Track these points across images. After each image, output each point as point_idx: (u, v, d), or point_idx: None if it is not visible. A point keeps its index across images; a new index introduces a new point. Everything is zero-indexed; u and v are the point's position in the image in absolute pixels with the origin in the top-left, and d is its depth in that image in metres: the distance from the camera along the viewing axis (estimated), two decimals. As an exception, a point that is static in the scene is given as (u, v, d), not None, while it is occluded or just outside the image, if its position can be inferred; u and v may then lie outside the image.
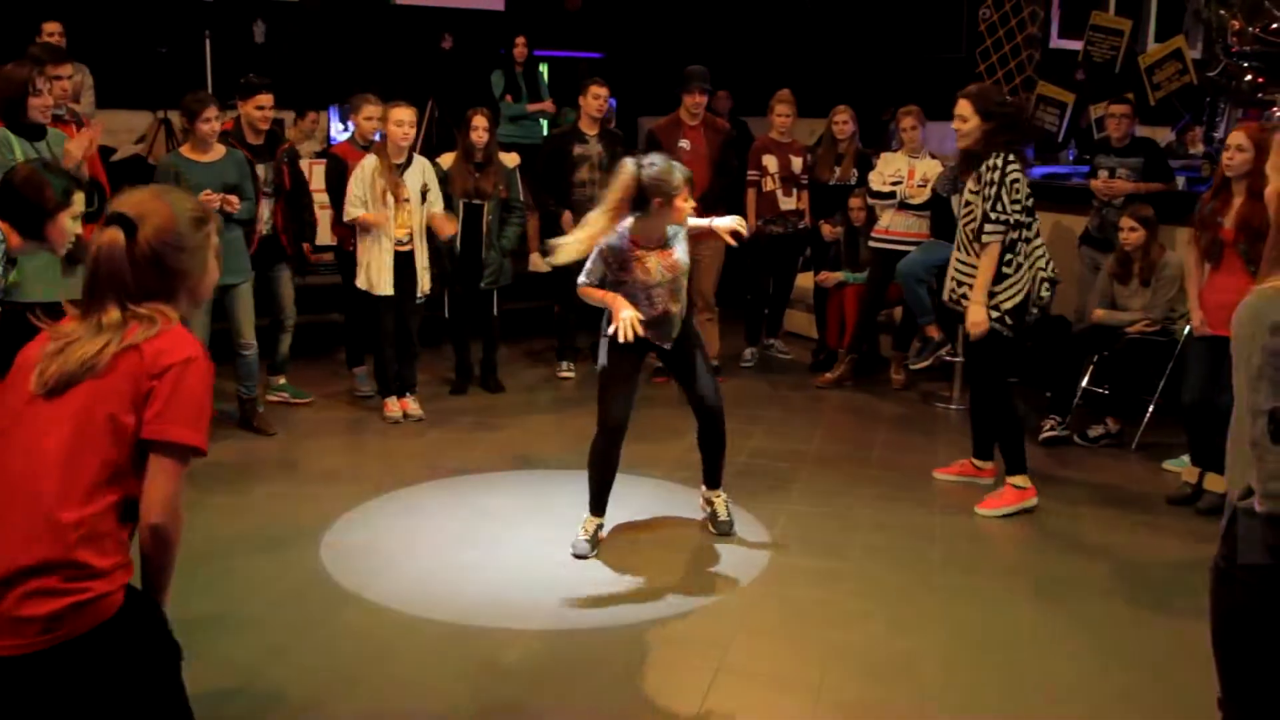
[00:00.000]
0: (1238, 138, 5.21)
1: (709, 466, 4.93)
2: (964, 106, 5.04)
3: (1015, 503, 5.20)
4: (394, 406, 6.47)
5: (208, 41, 9.23)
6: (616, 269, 4.48)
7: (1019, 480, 5.24)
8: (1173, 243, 6.71)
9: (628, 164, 4.43)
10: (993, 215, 4.97)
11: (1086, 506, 5.35)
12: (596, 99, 7.24)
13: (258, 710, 3.45)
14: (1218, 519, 5.05)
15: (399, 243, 6.28)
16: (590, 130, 7.29)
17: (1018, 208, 4.97)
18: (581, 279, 4.52)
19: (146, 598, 2.27)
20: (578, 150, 7.28)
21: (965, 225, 5.12)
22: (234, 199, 5.68)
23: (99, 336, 2.21)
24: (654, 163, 4.41)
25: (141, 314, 2.24)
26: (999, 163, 4.99)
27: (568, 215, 7.29)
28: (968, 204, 5.10)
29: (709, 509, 4.95)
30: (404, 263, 6.30)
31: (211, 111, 5.77)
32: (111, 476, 2.19)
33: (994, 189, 4.97)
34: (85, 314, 2.26)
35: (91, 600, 2.14)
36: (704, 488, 4.99)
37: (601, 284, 4.50)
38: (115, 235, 2.26)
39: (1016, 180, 4.98)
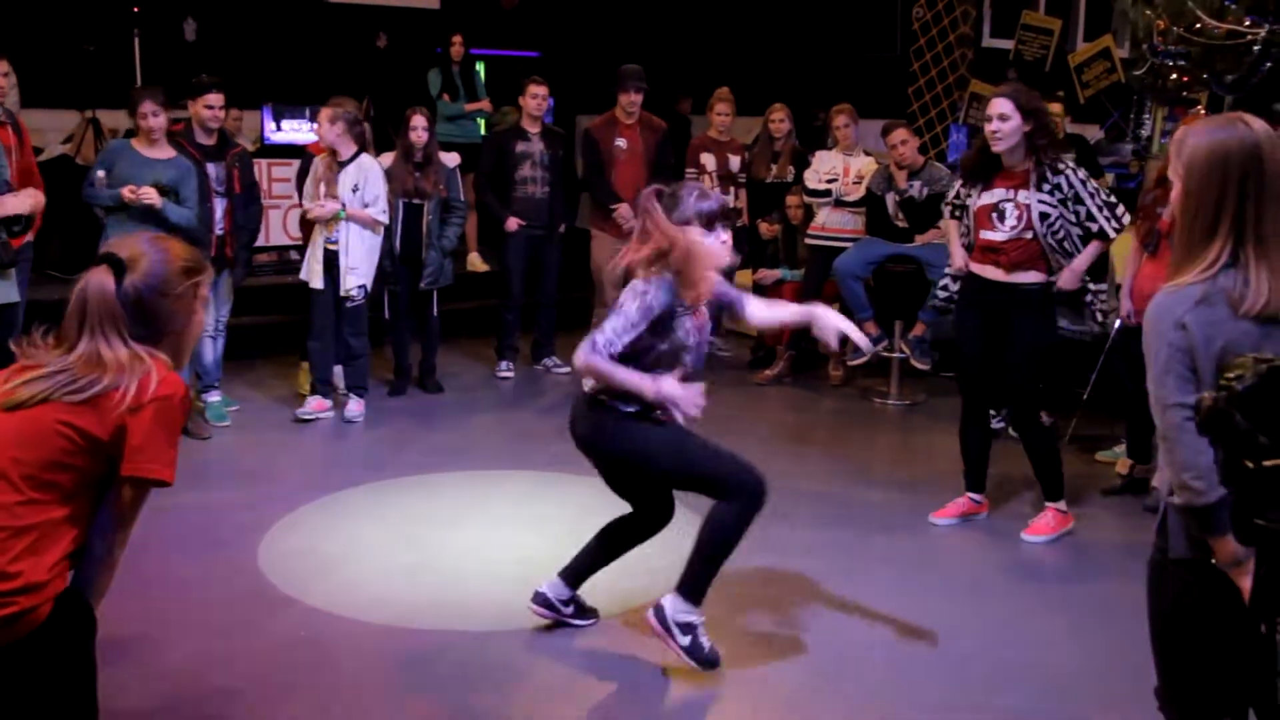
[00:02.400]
0: (1183, 131, 5.15)
1: (593, 566, 3.98)
2: (1004, 105, 4.62)
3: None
4: (311, 404, 6.43)
5: (137, 39, 9.07)
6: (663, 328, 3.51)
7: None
8: (1102, 238, 6.83)
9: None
10: (1108, 214, 4.72)
11: (1023, 499, 5.43)
12: (535, 98, 7.26)
13: (195, 715, 3.40)
14: (1153, 510, 5.17)
15: (329, 240, 6.25)
16: (532, 128, 7.31)
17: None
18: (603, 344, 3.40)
19: (77, 604, 2.26)
20: (520, 148, 7.30)
21: (1060, 239, 4.73)
22: (149, 191, 5.58)
23: (94, 368, 2.22)
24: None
25: (138, 354, 2.27)
26: (1072, 165, 4.74)
27: (512, 220, 7.30)
28: (1047, 217, 4.67)
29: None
30: (335, 260, 6.27)
31: (148, 106, 5.67)
32: (60, 495, 2.21)
33: (1093, 187, 4.71)
34: (63, 342, 2.27)
35: (17, 615, 2.12)
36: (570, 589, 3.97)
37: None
38: (104, 275, 2.28)
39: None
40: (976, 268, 4.89)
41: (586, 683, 3.67)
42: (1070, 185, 4.68)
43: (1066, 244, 4.75)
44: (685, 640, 3.54)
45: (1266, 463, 1.97)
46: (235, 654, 3.76)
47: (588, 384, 3.58)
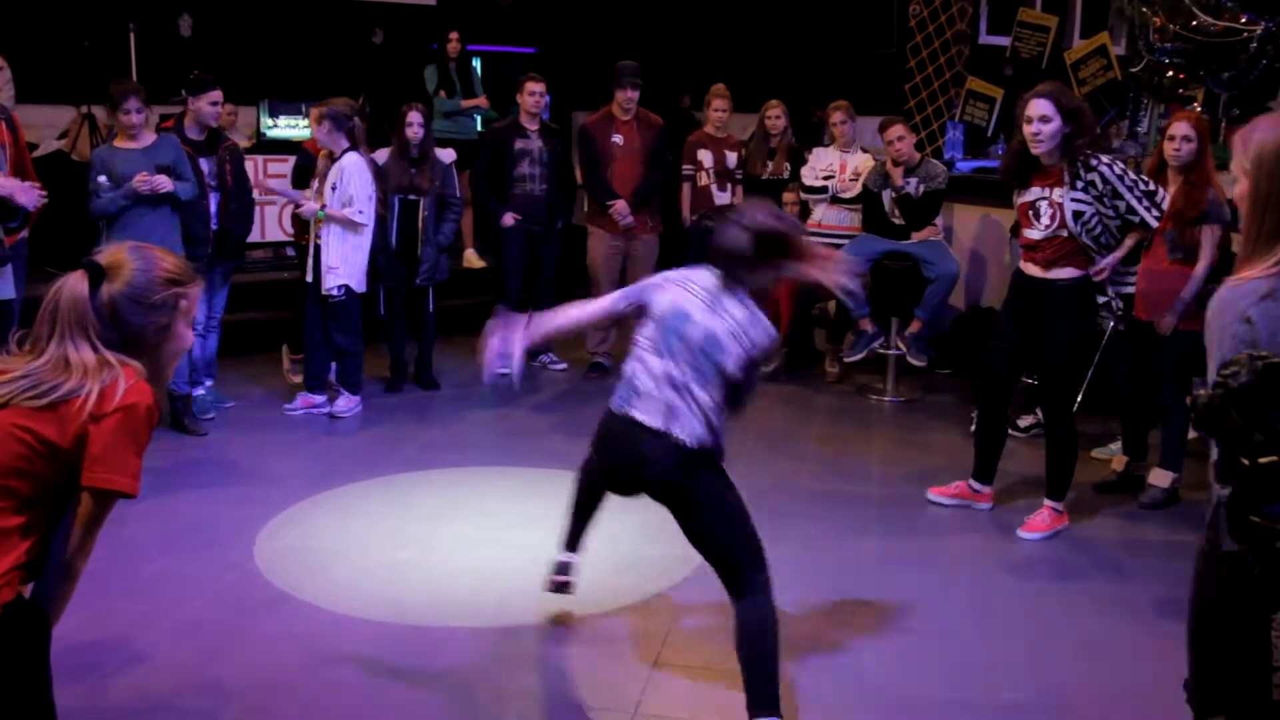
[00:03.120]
0: (1183, 128, 5.07)
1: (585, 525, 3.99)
2: (1045, 106, 4.56)
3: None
4: (299, 400, 6.54)
5: (132, 35, 9.05)
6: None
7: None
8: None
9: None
10: (1148, 204, 4.69)
11: (1019, 495, 5.42)
12: (533, 94, 7.25)
13: (193, 713, 3.40)
14: (1156, 510, 5.20)
15: (317, 236, 6.29)
16: (530, 125, 7.30)
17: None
18: None
19: (28, 614, 2.21)
20: (518, 145, 7.28)
21: (1097, 236, 4.72)
22: (162, 179, 5.55)
23: (60, 373, 2.18)
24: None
25: (108, 360, 2.22)
26: (1107, 160, 4.68)
27: (508, 216, 7.28)
28: (1081, 215, 4.67)
29: None
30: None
31: (133, 103, 5.66)
32: (16, 503, 2.16)
33: (1130, 179, 4.67)
34: (34, 346, 2.23)
35: None
36: None
37: None
38: (79, 280, 2.23)
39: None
40: (1021, 264, 4.95)
41: (584, 678, 3.66)
42: (1106, 181, 4.64)
43: (1104, 239, 4.75)
44: None
45: (1262, 459, 1.98)
46: (230, 651, 3.76)
47: (694, 438, 3.29)
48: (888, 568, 4.58)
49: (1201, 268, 5.05)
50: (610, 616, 4.09)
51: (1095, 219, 4.70)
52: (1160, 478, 5.30)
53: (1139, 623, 4.12)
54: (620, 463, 3.36)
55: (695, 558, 4.59)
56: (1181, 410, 5.13)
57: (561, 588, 3.99)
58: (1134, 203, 4.68)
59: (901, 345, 7.11)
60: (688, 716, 3.48)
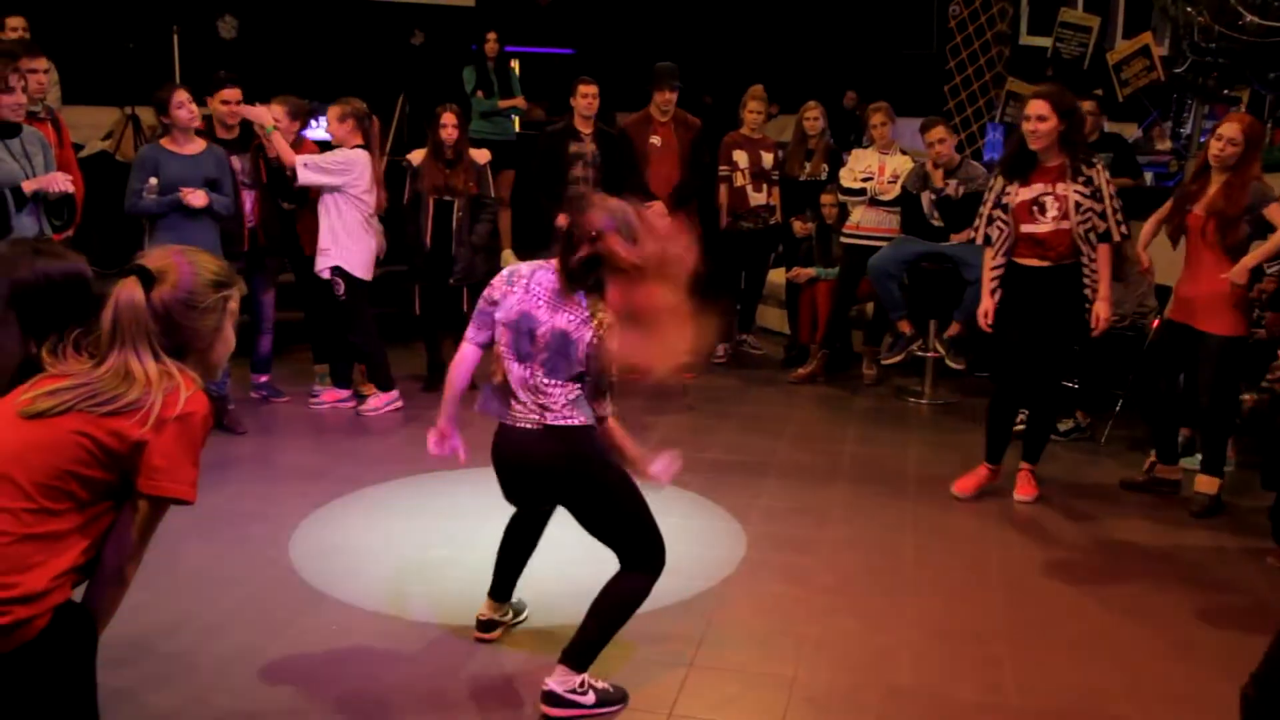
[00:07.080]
0: (1231, 130, 5.03)
1: (515, 572, 3.97)
2: (1042, 106, 4.96)
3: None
4: (323, 394, 6.69)
5: (175, 36, 9.15)
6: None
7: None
8: (1141, 238, 6.75)
9: None
10: (1120, 215, 5.03)
11: (1057, 499, 5.38)
12: (585, 97, 7.22)
13: (228, 711, 3.42)
14: (1200, 516, 5.14)
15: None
16: (584, 129, 7.27)
17: None
18: None
19: (77, 618, 2.23)
20: (573, 148, 7.27)
21: (1086, 230, 5.00)
22: (201, 194, 5.62)
23: (121, 382, 2.20)
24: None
25: (169, 369, 2.24)
26: (1102, 165, 5.07)
27: (563, 218, 7.27)
28: (1080, 206, 4.97)
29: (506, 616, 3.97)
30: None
31: (182, 95, 5.69)
32: (73, 505, 2.18)
33: (1113, 187, 5.05)
34: (92, 354, 2.25)
35: (11, 625, 2.09)
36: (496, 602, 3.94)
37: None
38: (134, 287, 2.25)
39: None
40: (1019, 259, 5.17)
41: (620, 679, 3.64)
42: (1110, 179, 5.05)
43: (1092, 236, 5.02)
44: (590, 700, 3.40)
45: (1308, 465, 1.94)
46: (267, 649, 3.78)
47: (579, 419, 3.39)
48: (922, 571, 4.55)
49: (1273, 243, 4.96)
50: (646, 617, 4.07)
51: (1089, 214, 5.00)
52: (1208, 484, 5.22)
53: (1179, 629, 4.06)
54: (512, 467, 3.47)
55: (732, 558, 4.60)
56: (1224, 415, 5.08)
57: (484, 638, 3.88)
58: (1109, 210, 5.00)
59: (940, 348, 7.06)
60: (723, 718, 3.46)
